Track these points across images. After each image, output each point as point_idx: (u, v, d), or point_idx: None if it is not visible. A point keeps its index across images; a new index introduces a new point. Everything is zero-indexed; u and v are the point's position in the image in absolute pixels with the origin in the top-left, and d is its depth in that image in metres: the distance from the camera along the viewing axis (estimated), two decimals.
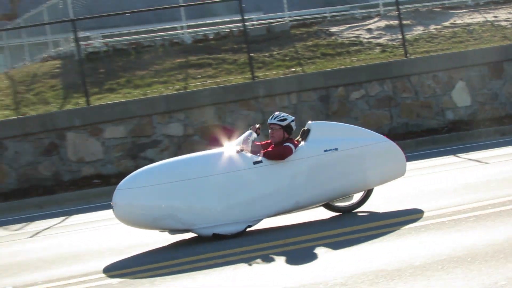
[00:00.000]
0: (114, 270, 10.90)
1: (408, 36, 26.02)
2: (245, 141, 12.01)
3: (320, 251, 9.98)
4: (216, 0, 30.59)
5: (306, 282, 8.18)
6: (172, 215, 11.53)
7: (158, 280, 9.34)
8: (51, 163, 21.81)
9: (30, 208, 20.39)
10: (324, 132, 12.75)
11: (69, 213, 18.74)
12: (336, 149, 12.09)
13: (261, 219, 11.90)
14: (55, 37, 31.68)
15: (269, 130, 12.10)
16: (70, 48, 27.15)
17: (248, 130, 12.59)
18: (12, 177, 21.60)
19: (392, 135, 22.68)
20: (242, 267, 9.65)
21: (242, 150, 11.67)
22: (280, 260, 9.81)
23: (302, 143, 12.26)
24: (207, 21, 30.93)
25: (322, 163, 12.14)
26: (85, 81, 22.58)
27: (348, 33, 27.78)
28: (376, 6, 32.02)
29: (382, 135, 13.10)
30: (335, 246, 10.15)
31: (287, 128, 11.93)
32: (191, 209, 11.71)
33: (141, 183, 11.81)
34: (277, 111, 12.95)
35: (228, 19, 29.59)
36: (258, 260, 9.88)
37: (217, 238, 11.53)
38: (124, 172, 20.72)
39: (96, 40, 30.53)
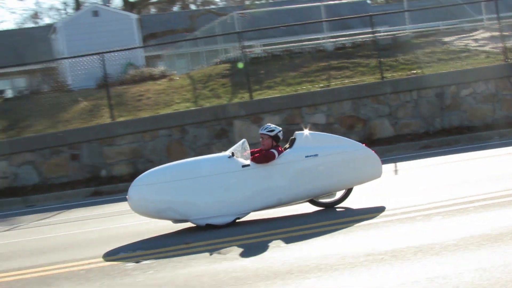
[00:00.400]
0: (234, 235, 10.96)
1: (508, 44, 25.48)
2: (238, 148, 12.06)
3: (436, 218, 9.95)
4: (352, 16, 30.39)
5: (423, 243, 8.16)
6: (171, 208, 11.63)
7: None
8: (222, 144, 21.57)
9: None
10: (308, 140, 12.30)
11: None
12: (316, 155, 11.89)
13: (248, 213, 11.82)
14: (225, 46, 32.07)
15: (260, 139, 11.96)
16: (237, 54, 27.48)
17: (242, 139, 12.58)
18: (192, 156, 21.31)
19: (495, 126, 22.40)
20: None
21: (233, 155, 11.64)
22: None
23: (288, 150, 12.09)
24: (345, 33, 30.77)
25: (303, 167, 11.95)
26: (249, 80, 22.88)
27: (458, 42, 27.29)
28: (481, 20, 31.56)
29: (360, 143, 12.86)
30: (450, 215, 10.04)
31: (275, 137, 11.78)
32: (187, 203, 11.75)
33: (148, 181, 11.97)
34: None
35: (361, 31, 29.42)
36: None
37: (210, 227, 11.49)
38: None
39: (257, 48, 30.76)
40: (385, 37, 28.57)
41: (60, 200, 20.06)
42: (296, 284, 7.21)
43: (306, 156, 11.81)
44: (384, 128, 22.36)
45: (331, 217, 11.41)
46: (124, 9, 43.59)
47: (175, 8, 59.47)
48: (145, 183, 11.89)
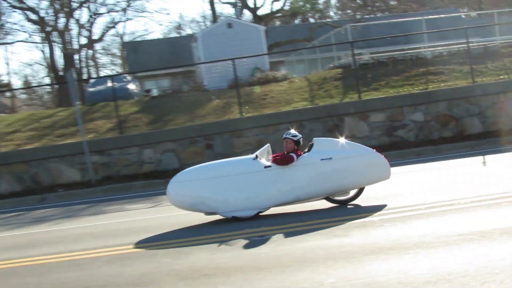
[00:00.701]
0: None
1: None
2: (262, 151, 11.93)
3: None
4: (449, 29, 29.69)
5: (509, 226, 8.08)
6: (203, 203, 11.56)
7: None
8: (334, 137, 21.30)
9: None
10: (324, 146, 12.03)
11: None
12: (330, 158, 11.57)
13: (269, 207, 11.65)
14: (338, 53, 31.98)
15: (284, 142, 11.78)
16: (348, 61, 27.34)
17: (266, 144, 12.64)
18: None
19: None
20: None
21: (257, 157, 11.53)
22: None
23: (306, 153, 11.81)
24: (442, 43, 30.37)
25: (318, 168, 11.64)
26: (358, 83, 22.69)
27: None
28: None
29: (370, 148, 12.34)
30: None
31: (297, 142, 11.60)
32: (217, 199, 11.62)
33: (184, 178, 11.94)
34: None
35: (456, 42, 28.94)
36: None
37: (236, 220, 11.45)
38: (382, 145, 21.24)
39: (365, 55, 30.57)
40: (477, 47, 28.08)
41: None
42: (397, 258, 7.23)
43: (322, 159, 11.68)
44: (474, 125, 21.91)
45: (425, 201, 11.24)
46: (253, 22, 44.00)
47: (296, 21, 59.54)
48: (181, 180, 12.04)
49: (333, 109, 22.04)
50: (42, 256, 10.16)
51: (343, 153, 11.79)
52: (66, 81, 23.18)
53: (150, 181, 20.82)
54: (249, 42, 34.37)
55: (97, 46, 66.99)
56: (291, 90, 25.67)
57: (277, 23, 60.70)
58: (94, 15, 58.17)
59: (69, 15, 54.07)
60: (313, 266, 7.39)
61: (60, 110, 29.93)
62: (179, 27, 75.63)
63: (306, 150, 11.99)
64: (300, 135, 11.81)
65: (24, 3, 50.83)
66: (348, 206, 11.87)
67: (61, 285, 8.23)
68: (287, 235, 9.62)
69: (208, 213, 11.87)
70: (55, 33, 55.39)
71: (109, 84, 29.44)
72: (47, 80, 64.36)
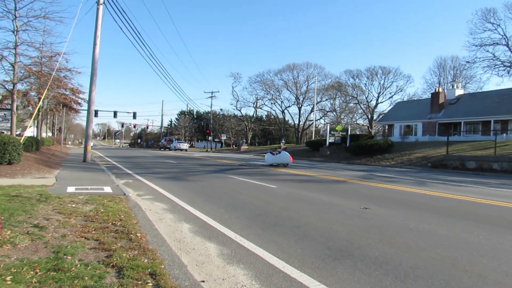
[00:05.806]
0: None
1: None
2: (279, 149, 36.93)
3: None
4: None
5: None
6: (266, 160, 33.22)
7: None
8: None
9: None
10: (282, 151, 32.38)
11: None
12: (280, 153, 32.20)
13: (273, 164, 32.44)
14: None
15: (282, 146, 35.68)
16: None
17: (279, 148, 37.14)
18: None
19: None
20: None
21: (274, 150, 33.59)
22: None
23: (279, 152, 32.51)
24: None
25: (279, 156, 32.01)
26: None
27: None
28: None
29: (287, 153, 31.72)
30: None
31: (280, 148, 32.55)
32: (267, 159, 32.86)
33: (266, 155, 33.55)
34: None
35: None
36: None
37: (274, 166, 31.30)
38: None
39: None
40: None
41: None
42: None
43: (277, 154, 32.42)
44: None
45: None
46: None
47: None
48: (266, 156, 33.53)
49: None
50: None
51: (283, 153, 32.45)
52: None
53: None
54: None
55: None
56: None
57: None
58: None
59: None
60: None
61: None
62: None
63: (279, 150, 33.48)
64: (281, 149, 31.84)
65: None
66: (285, 167, 30.86)
67: None
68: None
69: (267, 163, 33.24)
70: None
71: None
72: None
